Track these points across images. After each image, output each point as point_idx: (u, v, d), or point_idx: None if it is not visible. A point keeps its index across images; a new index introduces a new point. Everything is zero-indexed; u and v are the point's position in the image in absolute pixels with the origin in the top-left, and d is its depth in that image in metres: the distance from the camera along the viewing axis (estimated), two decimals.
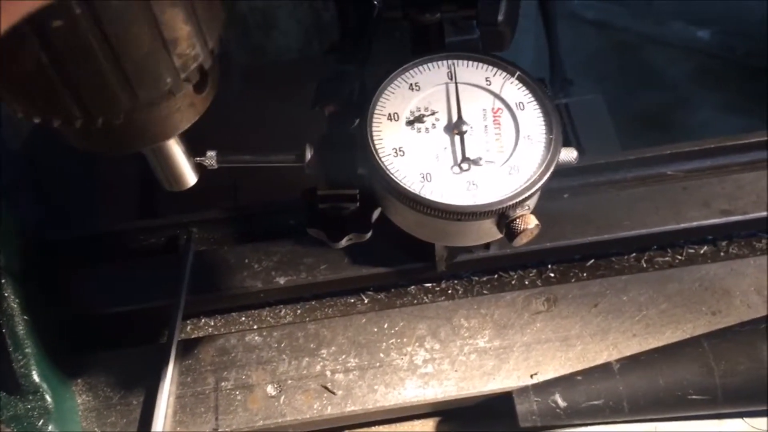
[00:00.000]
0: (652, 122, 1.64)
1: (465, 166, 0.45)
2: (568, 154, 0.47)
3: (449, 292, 0.67)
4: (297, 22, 0.99)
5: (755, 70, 1.68)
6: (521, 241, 0.45)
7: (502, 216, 0.44)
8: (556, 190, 0.67)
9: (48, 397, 0.56)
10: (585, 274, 0.67)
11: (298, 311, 0.67)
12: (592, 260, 0.67)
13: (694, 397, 0.53)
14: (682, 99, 1.71)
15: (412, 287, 0.68)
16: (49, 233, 0.69)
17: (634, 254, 0.67)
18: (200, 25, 0.35)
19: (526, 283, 0.67)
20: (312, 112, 0.52)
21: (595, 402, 0.54)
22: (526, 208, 0.45)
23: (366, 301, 0.67)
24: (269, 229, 0.69)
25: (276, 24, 0.99)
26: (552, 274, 0.67)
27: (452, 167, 0.45)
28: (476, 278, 0.67)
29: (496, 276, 0.67)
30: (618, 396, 0.54)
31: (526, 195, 0.44)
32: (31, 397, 0.56)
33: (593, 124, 0.93)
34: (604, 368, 0.56)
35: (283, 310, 0.68)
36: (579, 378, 0.56)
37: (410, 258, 0.65)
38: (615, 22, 1.83)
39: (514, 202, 0.44)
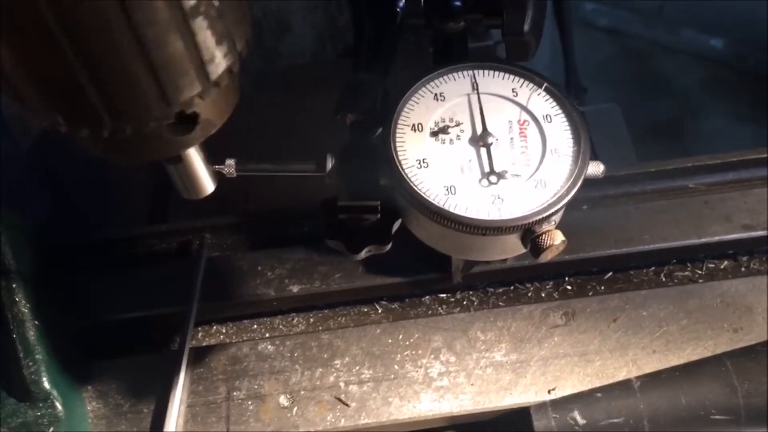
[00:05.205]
0: (663, 130, 1.64)
1: (492, 179, 0.44)
2: (596, 168, 0.46)
3: (464, 303, 0.66)
4: (311, 27, 0.98)
5: (767, 80, 1.67)
6: (547, 257, 0.44)
7: (528, 231, 0.44)
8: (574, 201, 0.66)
9: (58, 405, 0.55)
10: (603, 288, 0.66)
11: (311, 320, 0.66)
12: (610, 273, 0.66)
13: (716, 416, 0.52)
14: (693, 107, 1.70)
15: (427, 297, 0.66)
16: (60, 237, 0.68)
17: (653, 268, 0.66)
18: (229, 28, 0.35)
19: (543, 295, 0.66)
20: (326, 117, 0.51)
21: (615, 420, 0.53)
22: (552, 223, 0.44)
23: (380, 311, 0.66)
24: (283, 236, 0.68)
25: (290, 28, 0.98)
26: (569, 287, 0.66)
27: (478, 180, 0.44)
28: (492, 290, 0.66)
29: (512, 288, 0.66)
30: (638, 414, 0.53)
31: (553, 210, 0.43)
32: (41, 405, 0.55)
33: (609, 134, 0.92)
34: (624, 385, 0.55)
35: (296, 319, 0.67)
36: (598, 395, 0.55)
37: (425, 268, 0.64)
38: (627, 30, 1.83)
39: (540, 217, 0.43)
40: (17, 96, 0.33)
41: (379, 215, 0.48)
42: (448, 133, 0.46)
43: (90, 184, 0.83)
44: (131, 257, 0.69)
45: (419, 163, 0.45)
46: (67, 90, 0.32)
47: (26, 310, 0.56)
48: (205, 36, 0.33)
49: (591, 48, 1.74)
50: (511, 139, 0.46)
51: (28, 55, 0.31)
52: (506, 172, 0.44)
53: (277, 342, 0.61)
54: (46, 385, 0.55)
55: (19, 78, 0.32)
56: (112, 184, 0.82)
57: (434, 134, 0.46)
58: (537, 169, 0.45)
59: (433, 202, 0.44)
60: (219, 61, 0.34)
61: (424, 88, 0.48)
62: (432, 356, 0.60)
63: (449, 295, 0.66)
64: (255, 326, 0.66)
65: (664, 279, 0.65)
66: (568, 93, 0.90)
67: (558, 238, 0.43)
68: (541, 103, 0.47)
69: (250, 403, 0.58)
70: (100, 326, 0.64)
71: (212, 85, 0.35)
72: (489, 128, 0.46)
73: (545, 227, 0.43)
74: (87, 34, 0.30)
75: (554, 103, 0.47)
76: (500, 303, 0.65)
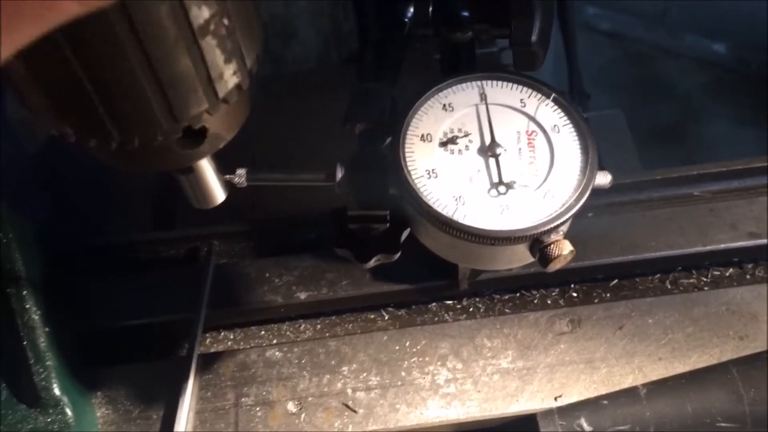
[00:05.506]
0: (666, 134, 1.64)
1: (501, 189, 0.44)
2: (603, 178, 0.46)
3: (471, 310, 0.66)
4: (316, 32, 0.99)
5: None
6: (555, 266, 0.44)
7: (536, 241, 0.44)
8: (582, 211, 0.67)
9: (68, 411, 0.56)
10: (608, 295, 0.66)
11: (318, 326, 0.67)
12: (616, 281, 0.66)
13: (722, 424, 0.52)
14: (695, 111, 1.70)
15: (433, 304, 0.67)
16: (67, 243, 0.69)
17: (658, 275, 0.66)
18: (239, 46, 0.35)
19: (549, 302, 0.66)
20: (331, 121, 0.52)
21: (622, 427, 0.53)
22: (560, 233, 0.44)
23: (386, 318, 0.67)
24: (290, 243, 0.68)
25: (295, 33, 0.99)
26: (575, 294, 0.66)
27: (487, 190, 0.45)
28: (498, 296, 0.67)
29: (518, 295, 0.67)
30: (645, 422, 0.53)
31: (561, 220, 0.43)
32: (51, 411, 0.55)
33: (613, 140, 0.92)
34: (631, 393, 0.55)
35: (303, 325, 0.67)
36: (605, 402, 0.55)
37: (432, 275, 0.64)
38: (629, 34, 1.83)
39: (548, 227, 0.43)
40: (27, 105, 0.34)
41: (388, 225, 0.48)
42: (456, 144, 0.46)
43: (93, 186, 0.83)
44: (139, 263, 0.69)
45: (428, 174, 0.45)
46: (76, 103, 0.32)
47: (36, 317, 0.57)
48: (214, 54, 0.33)
49: (593, 52, 1.74)
50: (520, 149, 0.46)
51: (37, 68, 0.31)
52: (515, 182, 0.45)
53: (284, 348, 0.62)
54: (57, 391, 0.56)
55: (29, 89, 0.32)
56: (116, 186, 0.82)
57: (443, 144, 0.46)
58: (545, 179, 0.45)
59: (441, 212, 0.44)
60: (228, 78, 0.35)
61: (432, 99, 0.48)
62: (439, 363, 0.60)
63: (456, 302, 0.67)
64: (263, 333, 0.67)
65: (669, 286, 0.66)
66: (572, 99, 0.91)
67: (566, 248, 0.43)
68: (550, 113, 0.47)
69: (258, 409, 0.59)
70: (109, 332, 0.64)
71: (221, 101, 0.35)
72: (497, 139, 0.46)
73: (553, 237, 0.44)
74: (96, 51, 0.30)
75: (562, 114, 0.47)
76: (506, 310, 0.66)
